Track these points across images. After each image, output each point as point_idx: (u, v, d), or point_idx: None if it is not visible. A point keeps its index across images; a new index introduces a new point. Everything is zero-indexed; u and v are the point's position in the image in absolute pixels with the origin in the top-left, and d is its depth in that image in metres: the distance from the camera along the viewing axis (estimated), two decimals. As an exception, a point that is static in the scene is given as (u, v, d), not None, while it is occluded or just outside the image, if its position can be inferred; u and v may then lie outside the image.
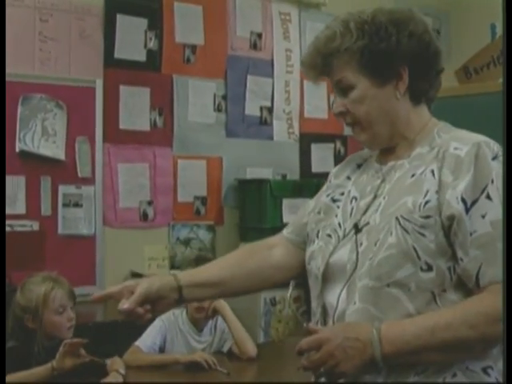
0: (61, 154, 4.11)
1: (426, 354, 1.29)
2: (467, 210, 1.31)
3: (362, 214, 1.46)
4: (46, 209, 4.08)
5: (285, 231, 1.73)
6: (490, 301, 1.26)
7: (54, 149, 4.09)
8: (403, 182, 1.42)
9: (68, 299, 2.58)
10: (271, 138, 4.85)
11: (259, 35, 4.84)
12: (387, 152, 1.52)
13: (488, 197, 1.31)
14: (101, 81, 4.25)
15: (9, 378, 2.33)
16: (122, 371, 2.44)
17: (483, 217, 1.31)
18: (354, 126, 1.49)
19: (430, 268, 1.32)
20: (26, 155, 4.00)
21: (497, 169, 1.33)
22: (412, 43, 1.44)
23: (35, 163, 4.03)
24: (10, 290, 3.69)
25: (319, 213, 1.59)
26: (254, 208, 4.44)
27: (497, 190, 1.31)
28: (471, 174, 1.33)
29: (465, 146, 1.37)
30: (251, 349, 2.86)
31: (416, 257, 1.32)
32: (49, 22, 4.10)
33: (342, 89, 1.47)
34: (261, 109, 4.83)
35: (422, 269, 1.32)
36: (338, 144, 5.11)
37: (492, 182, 1.32)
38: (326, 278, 1.47)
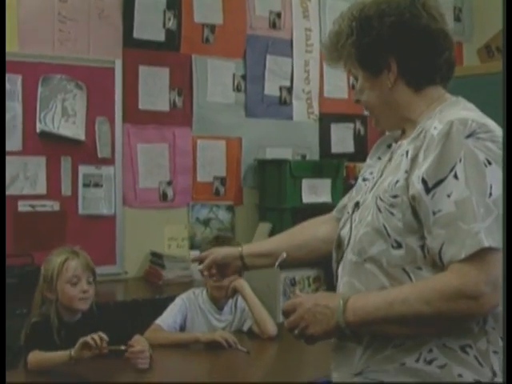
0: (81, 135, 4.12)
1: (386, 326, 1.36)
2: (428, 190, 1.32)
3: (365, 193, 1.53)
4: (66, 189, 4.10)
5: (334, 212, 1.86)
6: (447, 278, 1.29)
7: (73, 129, 4.10)
8: (394, 162, 1.47)
9: (83, 271, 2.58)
10: (291, 118, 4.83)
11: (278, 14, 4.81)
12: (402, 132, 1.57)
13: (455, 176, 1.31)
14: (120, 61, 4.24)
15: (30, 356, 2.37)
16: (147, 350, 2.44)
17: (448, 196, 1.31)
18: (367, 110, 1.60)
19: (399, 245, 1.37)
20: (46, 136, 4.02)
21: (469, 147, 1.32)
22: (396, 33, 1.47)
23: (55, 144, 4.05)
24: (32, 269, 3.74)
25: (353, 191, 1.68)
26: (273, 188, 4.43)
27: (464, 169, 1.30)
28: (436, 154, 1.33)
29: (440, 125, 1.37)
30: (271, 328, 2.86)
31: (386, 234, 1.38)
32: (68, 2, 4.10)
33: (355, 79, 1.61)
34: (280, 89, 4.80)
35: (392, 246, 1.38)
36: (358, 124, 5.08)
37: (460, 160, 1.31)
38: (337, 250, 1.60)
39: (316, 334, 1.41)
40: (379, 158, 1.63)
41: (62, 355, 2.33)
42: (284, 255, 1.72)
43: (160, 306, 3.27)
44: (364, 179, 1.64)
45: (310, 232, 1.86)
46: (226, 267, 1.87)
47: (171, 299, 3.14)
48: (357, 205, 1.52)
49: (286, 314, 1.46)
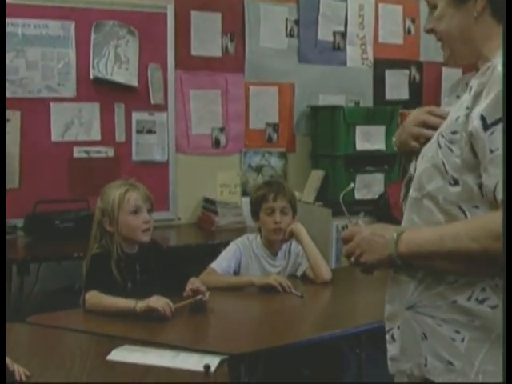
0: (134, 81, 4.12)
1: (437, 261, 1.35)
2: (486, 128, 1.28)
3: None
4: (120, 135, 4.13)
5: None
6: (497, 217, 1.25)
7: (126, 75, 4.11)
8: (461, 99, 1.43)
9: (143, 201, 2.58)
10: (344, 63, 4.74)
11: (331, -44, 4.68)
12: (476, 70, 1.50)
13: None
14: (172, 6, 4.21)
15: (89, 296, 2.40)
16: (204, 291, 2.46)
17: None
18: (440, 42, 1.52)
19: (456, 182, 1.35)
20: (99, 82, 4.03)
21: None
22: None
23: (109, 90, 4.07)
24: (87, 213, 3.80)
25: None
26: (326, 135, 4.38)
27: None
28: (499, 91, 1.27)
29: None
30: (326, 273, 2.86)
31: (444, 171, 1.37)
32: None
33: (430, 7, 1.52)
34: (334, 34, 4.71)
35: (449, 183, 1.36)
36: (413, 70, 4.96)
37: None
38: (406, 188, 1.57)
39: (368, 262, 1.44)
40: (458, 97, 1.54)
41: (126, 304, 2.33)
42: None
43: (212, 252, 3.30)
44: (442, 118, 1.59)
45: None
46: None
47: (224, 245, 3.16)
48: (426, 141, 1.49)
49: (345, 241, 1.49)
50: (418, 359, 1.42)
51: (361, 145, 4.26)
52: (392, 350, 1.49)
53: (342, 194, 1.66)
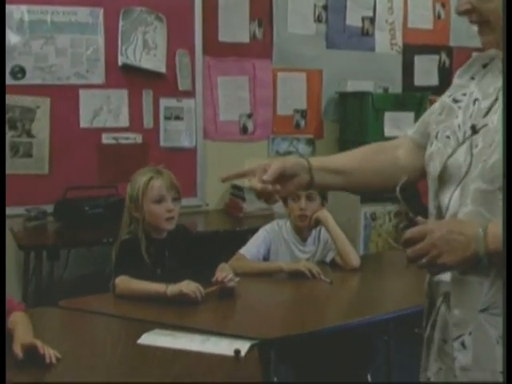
0: (162, 67, 4.13)
1: None
2: None
3: (482, 116, 1.39)
4: (148, 122, 4.14)
5: (409, 132, 1.71)
6: None
7: (154, 62, 4.11)
8: (488, 80, 1.36)
9: (167, 190, 2.57)
10: (373, 49, 4.69)
11: None
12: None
13: None
14: (200, -8, 4.20)
15: (119, 280, 2.42)
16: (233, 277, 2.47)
17: None
18: (480, 24, 1.39)
19: None
20: (128, 69, 4.04)
21: None
22: None
23: (137, 76, 4.08)
24: (116, 199, 3.83)
25: (440, 114, 1.53)
26: (354, 121, 4.36)
27: None
28: None
29: None
30: (354, 259, 2.84)
31: None
32: None
33: None
34: (362, 19, 4.65)
35: None
36: (443, 56, 4.89)
37: None
38: (443, 179, 1.45)
39: (450, 262, 1.30)
40: (472, 78, 1.49)
41: (157, 288, 2.34)
42: (404, 178, 1.50)
43: (240, 238, 3.30)
44: (455, 100, 1.49)
45: (387, 157, 1.67)
46: (289, 180, 1.54)
47: (251, 231, 3.16)
48: (473, 128, 1.38)
49: (412, 241, 1.32)
50: (492, 366, 1.32)
51: (389, 131, 4.22)
52: (463, 359, 1.36)
53: (398, 187, 1.52)
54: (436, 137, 1.50)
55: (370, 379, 2.94)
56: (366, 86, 4.60)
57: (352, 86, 4.59)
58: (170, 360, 1.84)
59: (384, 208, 4.16)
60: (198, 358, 1.86)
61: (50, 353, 1.79)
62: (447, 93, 1.56)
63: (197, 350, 1.91)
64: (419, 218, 1.37)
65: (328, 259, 2.93)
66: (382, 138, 4.20)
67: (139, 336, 2.00)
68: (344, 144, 4.47)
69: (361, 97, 4.31)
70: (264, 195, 1.50)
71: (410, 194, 1.52)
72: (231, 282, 2.44)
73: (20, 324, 1.89)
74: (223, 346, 1.92)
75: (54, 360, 1.78)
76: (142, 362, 1.84)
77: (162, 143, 4.17)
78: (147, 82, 4.10)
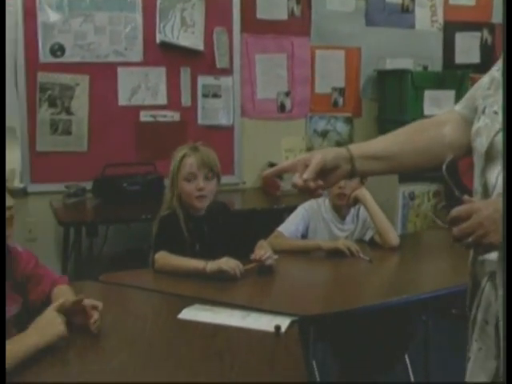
0: (199, 45, 4.12)
1: None
2: None
3: None
4: (186, 100, 4.14)
5: (457, 107, 1.64)
6: None
7: (192, 39, 4.10)
8: None
9: (198, 168, 2.55)
10: (413, 26, 4.62)
11: None
12: None
13: None
14: (238, -32, 4.17)
15: (158, 256, 2.43)
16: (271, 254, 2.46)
17: None
18: None
19: None
20: (166, 46, 4.04)
21: None
22: None
23: (175, 54, 4.08)
24: (154, 177, 3.85)
25: (489, 88, 1.47)
26: (393, 100, 4.30)
27: None
28: None
29: None
30: (394, 238, 2.82)
31: None
32: None
33: None
34: (402, -5, 4.59)
35: None
36: (485, 33, 4.79)
37: None
38: (490, 156, 1.40)
39: (496, 242, 1.26)
40: None
41: (196, 265, 2.35)
42: (451, 156, 1.45)
43: (277, 217, 3.29)
44: None
45: (431, 135, 1.61)
46: (331, 172, 1.50)
47: (288, 210, 3.15)
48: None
49: (458, 220, 1.29)
50: None
51: (429, 110, 4.16)
52: None
53: (444, 165, 1.46)
54: (483, 112, 1.45)
55: (407, 360, 2.92)
56: (406, 63, 4.53)
57: (391, 64, 4.53)
58: (211, 335, 1.85)
59: (423, 187, 4.12)
60: (238, 333, 1.87)
61: (94, 316, 1.81)
62: (495, 67, 1.51)
63: (237, 326, 1.91)
64: (466, 197, 1.33)
65: (367, 238, 2.91)
66: (421, 116, 4.14)
67: (179, 311, 2.01)
68: (382, 123, 4.42)
69: (400, 75, 4.25)
70: (306, 190, 1.49)
71: (453, 172, 1.47)
72: (269, 260, 2.43)
73: (64, 296, 1.91)
74: (263, 322, 1.92)
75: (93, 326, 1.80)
76: (183, 337, 1.85)
77: (199, 121, 4.17)
78: (185, 59, 4.09)
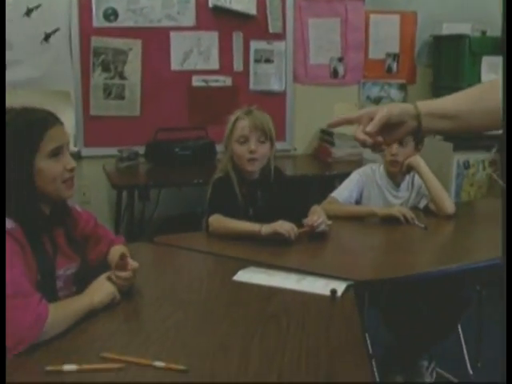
0: (252, 9, 4.07)
1: None
2: None
3: None
4: (238, 65, 4.12)
5: None
6: None
7: (245, 3, 4.06)
8: None
9: (250, 131, 2.53)
10: (471, -11, 4.49)
11: None
12: None
13: None
14: None
15: (212, 219, 2.43)
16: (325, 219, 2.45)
17: None
18: None
19: None
20: (218, 10, 4.01)
21: None
22: None
23: (227, 18, 4.05)
24: (205, 142, 3.86)
25: None
26: (450, 66, 4.20)
27: None
28: None
29: None
30: (449, 206, 2.77)
31: None
32: None
33: None
34: (460, -43, 4.45)
35: None
36: (547, -4, 4.62)
37: None
38: None
39: None
40: None
41: (251, 227, 2.36)
42: None
43: (329, 183, 3.26)
44: None
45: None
46: (396, 128, 1.45)
47: (340, 176, 3.12)
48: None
49: None
50: None
51: (487, 76, 4.05)
52: None
53: None
54: None
55: (460, 330, 2.89)
56: (463, 28, 4.41)
57: (448, 29, 4.42)
58: (266, 297, 1.85)
59: (478, 156, 4.03)
60: (293, 295, 1.86)
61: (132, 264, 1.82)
62: None
63: (292, 289, 1.90)
64: None
65: (421, 205, 2.86)
66: (478, 83, 4.02)
67: (234, 273, 2.02)
68: (437, 90, 4.33)
69: (457, 40, 4.15)
70: (368, 144, 1.47)
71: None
72: (323, 225, 2.42)
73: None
74: (319, 286, 1.91)
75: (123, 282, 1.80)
76: (239, 298, 1.86)
77: (251, 86, 4.15)
78: (237, 24, 4.06)
